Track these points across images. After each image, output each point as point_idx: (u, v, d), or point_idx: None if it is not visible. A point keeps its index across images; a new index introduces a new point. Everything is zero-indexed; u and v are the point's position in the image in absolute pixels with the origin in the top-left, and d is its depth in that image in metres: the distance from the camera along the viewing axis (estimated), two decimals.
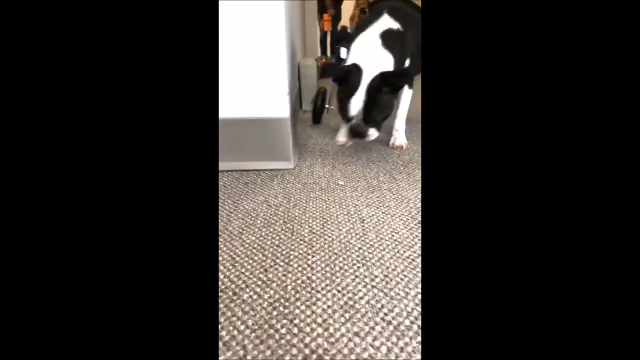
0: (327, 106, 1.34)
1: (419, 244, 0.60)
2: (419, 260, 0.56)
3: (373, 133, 0.93)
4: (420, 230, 0.64)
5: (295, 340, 0.42)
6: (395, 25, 0.98)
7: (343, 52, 1.03)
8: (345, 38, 1.28)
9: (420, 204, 0.74)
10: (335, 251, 0.59)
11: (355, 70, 0.89)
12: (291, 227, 0.66)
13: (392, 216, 0.70)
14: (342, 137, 1.04)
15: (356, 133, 0.93)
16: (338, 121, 1.16)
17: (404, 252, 0.58)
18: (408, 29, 0.99)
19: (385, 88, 0.88)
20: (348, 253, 0.58)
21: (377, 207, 0.73)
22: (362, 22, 1.04)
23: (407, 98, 1.09)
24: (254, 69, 0.86)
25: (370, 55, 0.91)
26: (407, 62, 1.00)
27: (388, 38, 0.93)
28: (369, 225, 0.66)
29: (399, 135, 1.12)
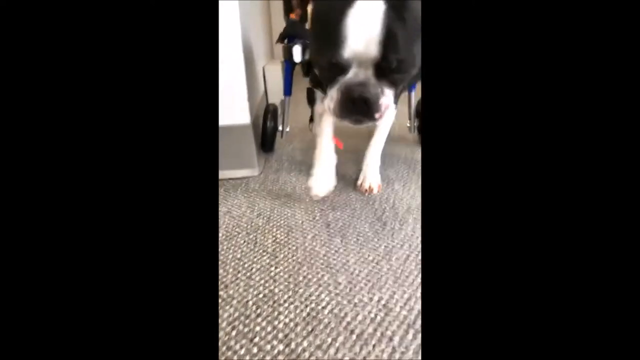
0: (279, 128, 1.03)
1: (383, 246, 0.60)
2: (383, 262, 0.56)
3: (386, 102, 0.48)
4: (384, 232, 0.64)
5: None
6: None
7: (297, 51, 0.72)
8: (298, 34, 0.88)
9: (385, 204, 0.74)
10: (299, 260, 0.57)
11: None
12: (254, 238, 0.64)
13: (357, 218, 0.69)
14: (320, 182, 0.72)
15: (357, 102, 0.47)
16: (305, 141, 1.09)
17: (369, 255, 0.58)
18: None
19: None
20: (312, 261, 0.57)
21: (343, 210, 0.72)
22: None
23: (388, 121, 0.76)
24: None
25: None
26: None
27: None
28: (334, 230, 0.65)
29: (370, 172, 0.79)
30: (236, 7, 0.80)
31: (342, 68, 0.47)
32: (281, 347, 0.41)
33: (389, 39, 0.43)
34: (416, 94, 0.99)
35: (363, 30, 0.43)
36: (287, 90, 0.95)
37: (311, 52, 0.54)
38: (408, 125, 1.02)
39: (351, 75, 0.47)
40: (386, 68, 0.45)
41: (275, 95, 1.48)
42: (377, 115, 0.48)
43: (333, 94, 0.49)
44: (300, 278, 0.53)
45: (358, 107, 0.48)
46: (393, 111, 0.52)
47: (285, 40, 0.89)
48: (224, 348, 0.41)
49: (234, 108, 0.85)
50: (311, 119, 0.91)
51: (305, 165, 0.96)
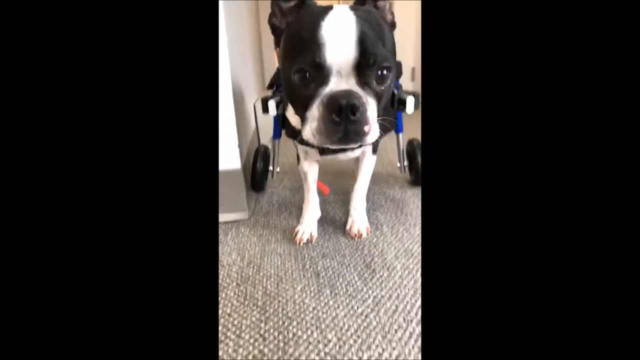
0: (270, 168, 1.04)
1: (372, 297, 0.60)
2: (372, 315, 0.56)
3: (373, 115, 0.48)
4: (373, 281, 0.65)
5: None
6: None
7: (272, 105, 0.69)
8: (279, 84, 0.81)
9: (374, 249, 0.75)
10: (289, 315, 0.57)
11: None
12: (244, 290, 0.64)
13: (347, 266, 0.70)
14: (305, 229, 0.79)
15: (344, 112, 0.45)
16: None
17: (358, 307, 0.58)
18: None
19: None
20: (302, 316, 0.57)
21: (333, 258, 0.73)
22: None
23: (370, 165, 0.80)
24: None
25: None
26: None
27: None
28: (324, 280, 0.66)
29: (358, 215, 0.82)
30: (225, 45, 0.79)
31: (321, 79, 0.46)
32: None
33: (364, 39, 0.45)
34: (404, 136, 1.02)
35: (340, 34, 0.45)
36: (277, 134, 0.97)
37: (284, 70, 0.52)
38: (398, 165, 1.05)
39: (333, 84, 0.46)
40: (366, 68, 0.46)
41: (267, 132, 1.49)
42: (366, 129, 0.46)
43: (314, 112, 0.47)
44: (290, 335, 0.53)
45: (344, 122, 0.45)
46: (377, 133, 0.49)
47: (274, 87, 0.92)
48: None
49: (224, 153, 0.87)
50: (299, 158, 0.93)
51: (296, 207, 0.97)
